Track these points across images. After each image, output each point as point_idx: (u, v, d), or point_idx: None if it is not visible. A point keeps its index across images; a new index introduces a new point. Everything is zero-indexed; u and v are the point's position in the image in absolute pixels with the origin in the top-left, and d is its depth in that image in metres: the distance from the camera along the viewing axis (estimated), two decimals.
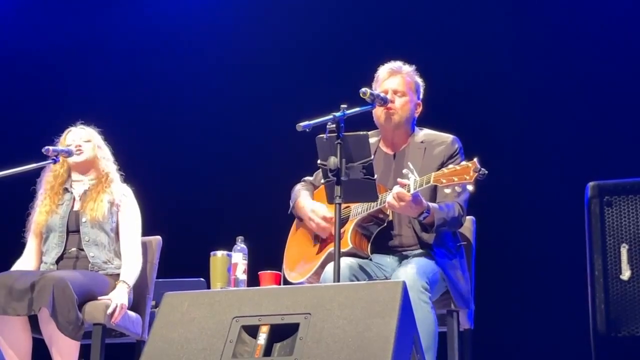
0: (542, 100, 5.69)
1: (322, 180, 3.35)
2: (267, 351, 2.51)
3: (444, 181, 3.35)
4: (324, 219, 3.70)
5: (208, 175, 6.27)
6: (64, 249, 4.06)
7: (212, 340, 2.56)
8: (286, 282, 3.81)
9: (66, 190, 4.20)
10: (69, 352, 3.75)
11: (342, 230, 3.41)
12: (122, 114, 6.14)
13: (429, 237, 3.63)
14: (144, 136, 6.29)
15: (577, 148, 5.46)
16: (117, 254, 4.11)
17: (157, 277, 4.32)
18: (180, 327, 2.63)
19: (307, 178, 4.01)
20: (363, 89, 3.51)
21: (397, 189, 3.46)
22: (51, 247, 4.09)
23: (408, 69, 3.85)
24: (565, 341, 5.15)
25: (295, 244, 3.92)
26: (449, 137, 3.80)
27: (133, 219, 4.17)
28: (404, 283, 2.56)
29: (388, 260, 3.68)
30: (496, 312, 4.98)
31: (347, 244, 3.58)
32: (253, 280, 3.84)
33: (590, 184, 3.19)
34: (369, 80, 3.87)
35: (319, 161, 3.30)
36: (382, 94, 3.67)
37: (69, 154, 4.13)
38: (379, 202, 3.53)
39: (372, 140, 3.65)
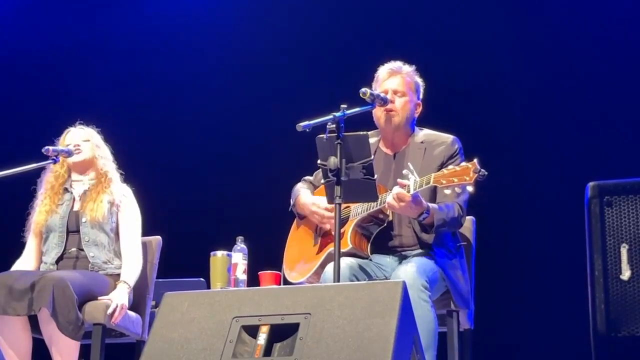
0: (542, 100, 5.69)
1: (322, 180, 3.35)
2: (267, 351, 2.51)
3: (444, 182, 3.35)
4: (327, 209, 3.70)
5: (208, 175, 6.27)
6: (64, 249, 4.07)
7: (212, 340, 2.56)
8: (286, 282, 3.81)
9: (66, 190, 4.20)
10: (69, 352, 3.75)
11: (342, 230, 3.41)
12: (122, 114, 6.14)
13: (428, 238, 3.63)
14: (144, 136, 6.28)
15: (577, 148, 5.46)
16: (117, 254, 4.11)
17: (157, 277, 4.32)
18: (180, 327, 2.62)
19: (307, 178, 4.00)
20: (363, 89, 3.50)
21: (397, 189, 3.46)
22: (51, 247, 4.09)
23: (408, 69, 3.85)
24: (565, 341, 5.15)
25: (295, 243, 3.92)
26: (449, 137, 3.80)
27: (133, 219, 4.17)
28: (404, 283, 2.55)
29: (388, 260, 3.68)
30: (496, 312, 4.98)
31: (347, 244, 3.58)
32: (253, 280, 3.84)
33: (590, 184, 3.18)
34: (369, 80, 3.87)
35: (319, 161, 3.30)
36: (382, 94, 3.67)
37: (69, 154, 4.13)
38: (379, 202, 3.53)
39: (372, 140, 3.65)
